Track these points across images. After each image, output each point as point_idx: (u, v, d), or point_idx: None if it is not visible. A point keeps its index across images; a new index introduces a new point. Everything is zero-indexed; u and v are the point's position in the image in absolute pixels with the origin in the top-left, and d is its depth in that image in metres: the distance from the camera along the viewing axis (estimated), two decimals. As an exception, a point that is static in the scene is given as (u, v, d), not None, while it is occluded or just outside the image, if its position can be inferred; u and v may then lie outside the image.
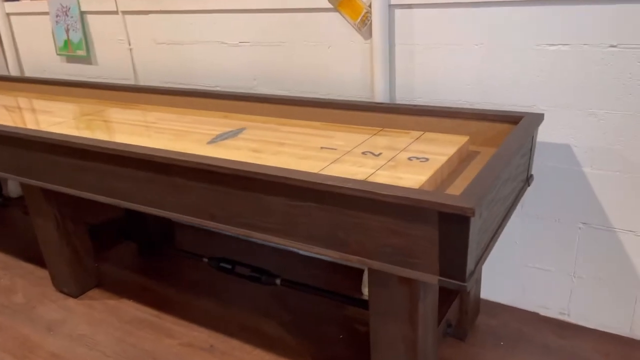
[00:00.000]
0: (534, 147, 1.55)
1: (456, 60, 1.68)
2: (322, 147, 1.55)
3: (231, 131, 1.78)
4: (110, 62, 2.60)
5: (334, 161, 1.43)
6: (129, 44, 2.47)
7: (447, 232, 1.07)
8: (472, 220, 1.03)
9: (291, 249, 2.25)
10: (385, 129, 1.68)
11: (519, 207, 1.72)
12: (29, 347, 1.87)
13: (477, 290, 1.83)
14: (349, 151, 1.50)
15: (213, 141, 1.68)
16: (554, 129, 1.60)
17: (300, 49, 1.97)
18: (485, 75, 1.65)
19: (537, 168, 1.65)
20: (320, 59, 1.93)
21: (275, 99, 1.94)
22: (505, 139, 1.36)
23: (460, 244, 1.07)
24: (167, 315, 1.99)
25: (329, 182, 1.17)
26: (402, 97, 1.82)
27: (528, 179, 1.56)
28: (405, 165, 1.37)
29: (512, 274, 1.84)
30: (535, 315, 1.84)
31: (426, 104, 1.74)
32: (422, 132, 1.61)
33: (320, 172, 1.34)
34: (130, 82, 2.54)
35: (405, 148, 1.49)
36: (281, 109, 1.92)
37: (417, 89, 1.78)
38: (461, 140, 1.51)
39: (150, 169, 1.49)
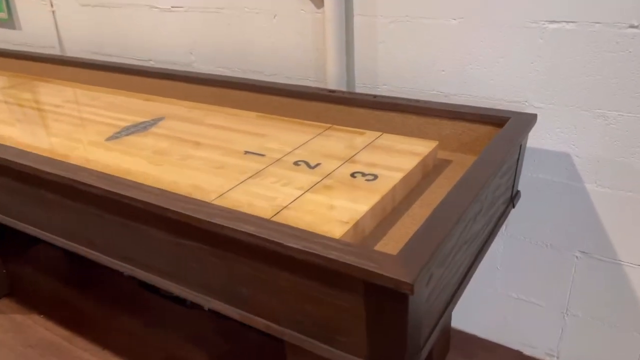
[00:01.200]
0: (521, 158, 1.19)
1: (429, 38, 1.29)
2: (246, 152, 1.19)
3: (144, 122, 1.41)
4: (33, 26, 2.20)
5: (254, 175, 1.07)
6: (51, 5, 2.07)
7: (378, 308, 0.73)
8: (412, 297, 0.68)
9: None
10: (334, 126, 1.31)
11: (502, 227, 1.37)
12: None
13: (446, 320, 1.50)
14: (279, 159, 1.14)
15: (115, 136, 1.32)
16: (550, 133, 1.23)
17: (242, 18, 1.58)
18: (465, 59, 1.27)
19: (526, 180, 1.29)
20: (265, 30, 1.55)
21: (209, 79, 1.57)
22: (482, 154, 1.00)
23: (396, 324, 0.72)
24: (79, 338, 1.66)
25: (216, 221, 0.81)
26: (362, 84, 1.45)
27: (513, 199, 1.20)
28: (346, 185, 1.01)
29: (493, 303, 1.50)
30: (518, 355, 1.51)
31: (390, 95, 1.37)
32: (379, 134, 1.24)
33: (224, 194, 0.98)
34: (55, 51, 2.15)
35: (352, 157, 1.13)
36: (214, 93, 1.55)
37: (380, 73, 1.40)
38: (427, 147, 1.14)
39: (14, 178, 1.14)
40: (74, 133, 1.36)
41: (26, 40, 2.26)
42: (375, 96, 1.32)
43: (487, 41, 1.23)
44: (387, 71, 1.39)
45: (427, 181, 1.10)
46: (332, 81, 1.44)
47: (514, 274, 1.43)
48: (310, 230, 0.82)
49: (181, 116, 1.44)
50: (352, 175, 1.05)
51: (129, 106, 1.55)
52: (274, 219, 0.90)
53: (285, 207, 0.94)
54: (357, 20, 1.38)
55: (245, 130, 1.31)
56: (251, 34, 1.59)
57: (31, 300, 1.85)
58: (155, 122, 1.41)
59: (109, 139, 1.31)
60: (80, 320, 1.74)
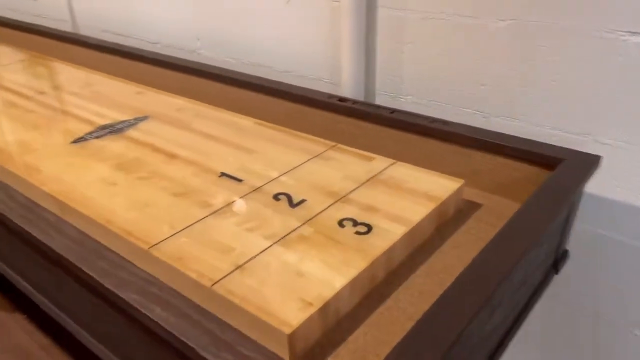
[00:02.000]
0: (575, 210, 0.90)
1: (469, 42, 1.02)
2: (222, 174, 0.96)
3: (123, 122, 1.21)
4: (48, -2, 2.06)
5: (219, 210, 0.85)
6: (64, -24, 1.90)
7: None
8: None
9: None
10: (339, 145, 1.06)
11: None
12: None
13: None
14: (257, 188, 0.91)
15: (84, 139, 1.13)
16: (619, 178, 0.94)
17: (251, 2, 1.34)
18: (513, 73, 0.99)
19: (577, 233, 1.00)
20: (278, 19, 1.31)
21: (208, 72, 1.35)
22: (521, 211, 0.73)
23: None
24: (57, 348, 1.52)
25: (123, 295, 0.59)
26: (384, 92, 1.19)
27: (557, 263, 0.92)
28: (328, 238, 0.77)
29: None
30: None
31: (412, 111, 1.10)
32: (392, 161, 0.98)
33: (167, 240, 0.77)
34: (67, 25, 1.99)
35: (348, 194, 0.88)
36: (212, 88, 1.33)
37: (405, 81, 1.14)
38: (448, 188, 0.88)
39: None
40: (41, 129, 1.18)
41: (41, 11, 2.12)
42: (393, 111, 1.06)
43: (544, 52, 0.94)
44: (414, 79, 1.12)
45: (442, 234, 0.84)
46: (348, 86, 1.18)
47: (551, 351, 1.15)
48: (260, 313, 0.60)
49: (168, 116, 1.23)
50: (341, 223, 0.80)
51: (117, 98, 1.36)
52: (216, 287, 0.67)
53: (239, 266, 0.71)
54: (381, 13, 1.12)
55: (232, 143, 1.08)
56: (260, 22, 1.35)
57: (17, 296, 1.73)
58: (136, 122, 1.21)
59: (76, 141, 1.12)
60: (62, 328, 1.60)
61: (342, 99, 1.12)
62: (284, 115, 1.19)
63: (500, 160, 0.93)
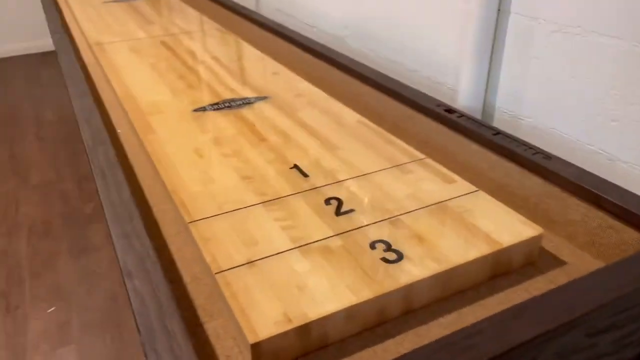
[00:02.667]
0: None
1: (605, 66, 0.83)
2: (294, 166, 0.96)
3: (244, 99, 1.28)
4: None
5: (268, 202, 0.85)
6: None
7: None
8: None
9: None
10: (428, 159, 0.97)
11: None
12: None
13: None
14: (316, 188, 0.89)
15: (204, 109, 1.22)
16: None
17: (395, -5, 1.29)
18: (656, 110, 0.78)
19: None
20: (415, 17, 1.23)
21: (337, 62, 1.34)
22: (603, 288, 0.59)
23: None
24: None
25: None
26: (503, 109, 1.04)
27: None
28: (353, 256, 0.72)
29: None
30: None
31: (525, 136, 0.95)
32: (473, 189, 0.87)
33: (208, 219, 0.80)
34: (251, 4, 2.16)
35: (402, 214, 0.80)
36: (335, 78, 1.32)
37: (526, 100, 0.98)
38: (519, 234, 0.74)
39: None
40: (178, 94, 1.31)
41: (236, -13, 2.33)
42: (497, 132, 0.93)
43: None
44: (536, 100, 0.96)
45: (495, 286, 0.72)
46: (465, 96, 1.07)
47: None
48: (239, 313, 0.61)
49: (284, 100, 1.26)
50: (373, 245, 0.74)
51: (254, 76, 1.44)
52: (218, 276, 0.68)
53: (251, 262, 0.71)
54: (513, 20, 0.97)
55: (323, 136, 1.07)
56: (397, 15, 1.29)
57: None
58: (255, 101, 1.27)
59: (196, 110, 1.22)
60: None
61: (449, 110, 1.02)
62: (392, 116, 1.13)
63: (599, 214, 0.75)
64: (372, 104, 1.20)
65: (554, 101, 0.92)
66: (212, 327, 0.67)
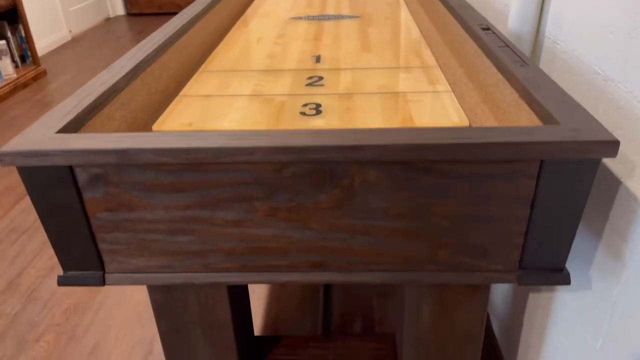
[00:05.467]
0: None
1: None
2: (317, 57, 1.06)
3: (339, 16, 1.40)
4: None
5: (265, 71, 0.98)
6: None
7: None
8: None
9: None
10: (437, 68, 0.96)
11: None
12: None
13: None
14: (314, 69, 0.98)
15: (300, 17, 1.39)
16: None
17: None
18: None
19: None
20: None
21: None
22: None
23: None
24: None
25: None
26: (549, 33, 0.95)
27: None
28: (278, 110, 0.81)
29: None
30: None
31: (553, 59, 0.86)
32: (447, 90, 0.84)
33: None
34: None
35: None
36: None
37: (571, 25, 0.88)
38: (446, 119, 0.73)
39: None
40: (296, 8, 1.50)
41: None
42: (523, 62, 0.87)
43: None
44: (581, 27, 0.86)
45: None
46: (514, 18, 1.01)
47: None
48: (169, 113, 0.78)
49: (368, 20, 1.34)
50: (306, 104, 0.82)
51: (371, 3, 1.54)
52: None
53: (209, 95, 0.87)
54: None
55: (366, 42, 1.13)
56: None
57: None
58: (343, 18, 1.38)
59: (294, 18, 1.39)
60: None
61: (485, 28, 0.98)
62: (443, 35, 1.13)
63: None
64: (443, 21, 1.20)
65: (600, 31, 0.81)
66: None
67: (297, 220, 0.64)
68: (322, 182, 0.61)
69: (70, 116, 0.66)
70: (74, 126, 0.66)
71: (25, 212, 1.92)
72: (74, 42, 4.23)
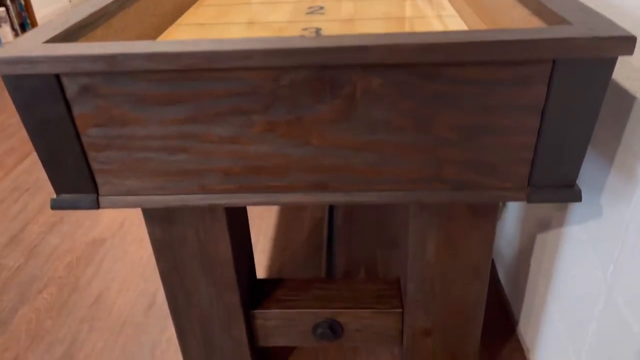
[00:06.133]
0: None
1: None
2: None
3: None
4: None
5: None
6: None
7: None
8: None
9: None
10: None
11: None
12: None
13: None
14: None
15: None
16: None
17: None
18: None
19: None
20: None
21: None
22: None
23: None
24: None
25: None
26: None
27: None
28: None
29: None
30: None
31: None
32: (452, 14, 0.81)
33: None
34: None
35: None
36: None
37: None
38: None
39: None
40: None
41: None
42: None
43: None
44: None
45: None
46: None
47: None
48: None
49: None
50: (306, 29, 0.79)
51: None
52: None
53: (203, 24, 0.84)
54: None
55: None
56: None
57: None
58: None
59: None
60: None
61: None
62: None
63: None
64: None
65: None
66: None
67: (296, 136, 0.62)
68: (322, 91, 0.58)
69: (59, 30, 0.63)
70: (62, 38, 0.63)
71: (27, 173, 1.90)
72: (74, 11, 4.17)
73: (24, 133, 2.20)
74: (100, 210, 1.66)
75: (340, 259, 1.41)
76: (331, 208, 1.61)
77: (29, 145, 2.10)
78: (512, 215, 1.18)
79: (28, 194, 1.77)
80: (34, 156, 2.03)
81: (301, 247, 1.46)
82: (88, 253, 1.48)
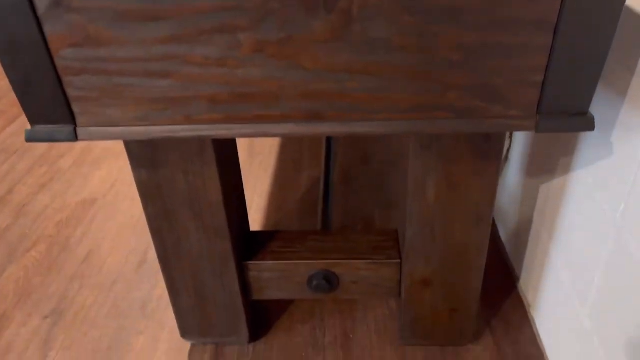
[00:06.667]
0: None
1: None
2: None
3: None
4: None
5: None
6: None
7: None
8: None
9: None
10: None
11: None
12: None
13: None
14: None
15: None
16: None
17: None
18: None
19: None
20: None
21: None
22: None
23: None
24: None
25: None
26: None
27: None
28: None
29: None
30: None
31: None
32: None
33: None
34: None
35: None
36: None
37: None
38: None
39: None
40: None
41: None
42: None
43: None
44: None
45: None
46: None
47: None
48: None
49: None
50: None
51: None
52: None
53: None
54: None
55: None
56: None
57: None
58: None
59: None
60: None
61: None
62: None
63: None
64: None
65: None
66: None
67: (288, 57, 0.57)
68: (316, 5, 0.53)
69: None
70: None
71: (15, 135, 1.85)
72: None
73: (12, 96, 2.14)
74: (91, 170, 1.62)
75: (337, 215, 1.38)
76: (327, 166, 1.57)
77: (18, 108, 2.04)
78: (514, 168, 1.14)
79: (17, 156, 1.72)
80: (23, 119, 1.97)
81: (297, 206, 1.42)
82: (79, 212, 1.44)
